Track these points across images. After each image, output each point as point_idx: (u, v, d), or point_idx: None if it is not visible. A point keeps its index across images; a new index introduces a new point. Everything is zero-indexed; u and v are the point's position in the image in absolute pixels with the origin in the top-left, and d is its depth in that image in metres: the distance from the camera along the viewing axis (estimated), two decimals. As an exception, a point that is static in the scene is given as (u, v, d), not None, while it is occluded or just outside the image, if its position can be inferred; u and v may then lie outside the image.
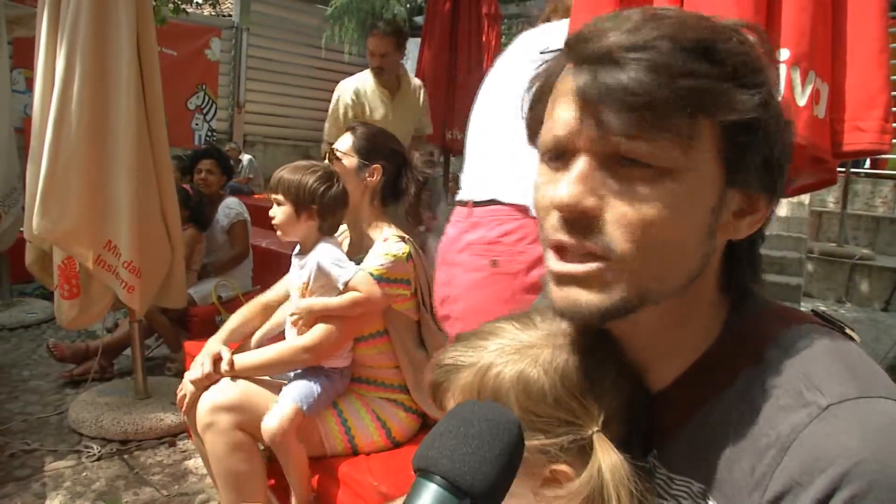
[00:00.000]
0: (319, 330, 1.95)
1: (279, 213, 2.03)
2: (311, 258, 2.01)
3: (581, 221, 0.63)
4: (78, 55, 2.72)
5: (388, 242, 2.01)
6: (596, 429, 0.70)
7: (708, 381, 0.70)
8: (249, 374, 1.97)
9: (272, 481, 2.06)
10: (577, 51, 0.65)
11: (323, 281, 1.99)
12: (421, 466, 0.54)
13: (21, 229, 4.55)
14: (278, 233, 2.07)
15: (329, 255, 1.99)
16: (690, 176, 0.62)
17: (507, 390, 0.70)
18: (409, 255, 2.00)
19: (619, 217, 0.62)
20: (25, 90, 7.21)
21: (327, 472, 1.95)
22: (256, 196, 8.05)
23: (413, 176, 2.15)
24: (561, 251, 0.66)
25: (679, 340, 0.72)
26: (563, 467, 0.69)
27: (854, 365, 0.64)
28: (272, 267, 4.09)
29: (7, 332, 4.54)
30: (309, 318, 1.99)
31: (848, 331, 0.72)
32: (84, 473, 2.77)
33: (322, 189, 2.01)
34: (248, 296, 3.91)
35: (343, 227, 2.24)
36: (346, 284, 1.94)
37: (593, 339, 0.75)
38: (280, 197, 2.03)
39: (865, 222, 7.04)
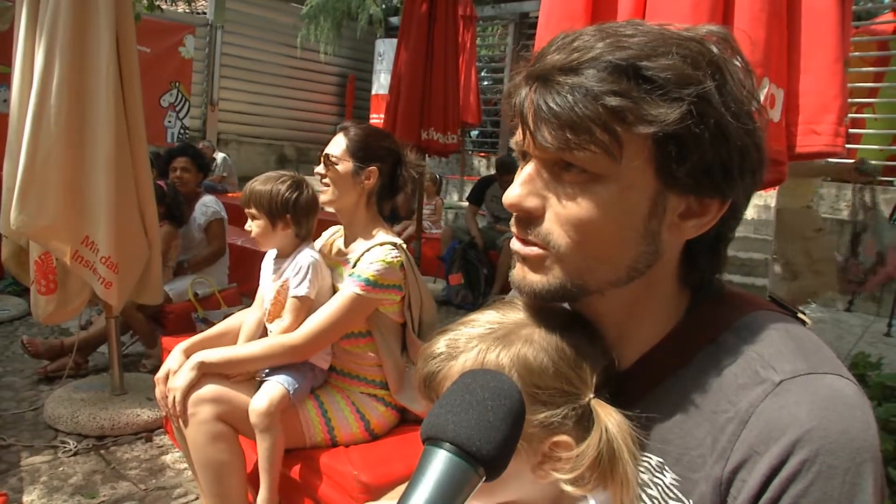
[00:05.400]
0: (307, 329, 1.97)
1: (255, 226, 2.09)
2: (292, 263, 2.07)
3: (525, 218, 0.73)
4: (57, 50, 2.72)
5: (384, 248, 2.00)
6: (592, 395, 0.74)
7: (664, 363, 0.77)
8: (235, 369, 1.97)
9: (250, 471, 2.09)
10: (526, 70, 0.73)
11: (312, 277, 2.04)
12: (429, 435, 0.55)
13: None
14: (259, 245, 2.13)
15: (313, 260, 2.06)
16: (621, 181, 0.68)
17: (508, 369, 0.72)
18: (402, 264, 2.01)
19: (556, 216, 0.71)
20: (-5, 85, 7.13)
21: (307, 463, 1.99)
22: (231, 195, 8.04)
23: (408, 173, 2.14)
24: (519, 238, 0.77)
25: (638, 326, 0.78)
26: (563, 437, 0.73)
27: (804, 345, 0.71)
28: (248, 265, 4.11)
29: (-22, 329, 4.50)
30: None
31: (800, 315, 0.79)
32: (61, 468, 2.77)
33: (294, 197, 2.07)
34: (224, 293, 3.94)
35: (335, 228, 2.27)
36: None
37: (575, 316, 0.81)
38: (254, 210, 2.08)
39: (830, 225, 7.22)
